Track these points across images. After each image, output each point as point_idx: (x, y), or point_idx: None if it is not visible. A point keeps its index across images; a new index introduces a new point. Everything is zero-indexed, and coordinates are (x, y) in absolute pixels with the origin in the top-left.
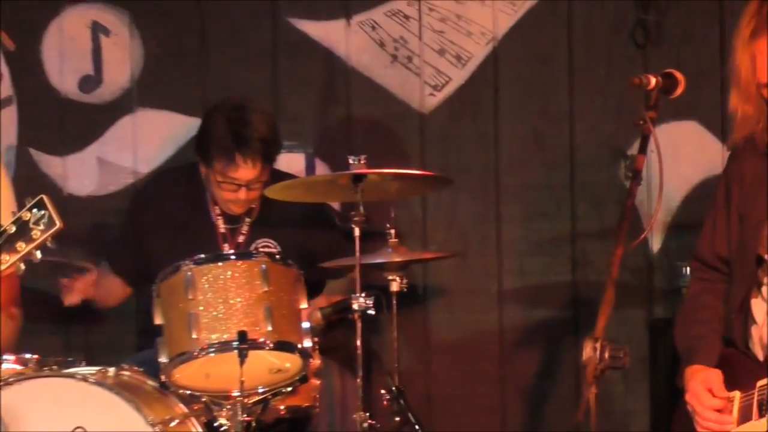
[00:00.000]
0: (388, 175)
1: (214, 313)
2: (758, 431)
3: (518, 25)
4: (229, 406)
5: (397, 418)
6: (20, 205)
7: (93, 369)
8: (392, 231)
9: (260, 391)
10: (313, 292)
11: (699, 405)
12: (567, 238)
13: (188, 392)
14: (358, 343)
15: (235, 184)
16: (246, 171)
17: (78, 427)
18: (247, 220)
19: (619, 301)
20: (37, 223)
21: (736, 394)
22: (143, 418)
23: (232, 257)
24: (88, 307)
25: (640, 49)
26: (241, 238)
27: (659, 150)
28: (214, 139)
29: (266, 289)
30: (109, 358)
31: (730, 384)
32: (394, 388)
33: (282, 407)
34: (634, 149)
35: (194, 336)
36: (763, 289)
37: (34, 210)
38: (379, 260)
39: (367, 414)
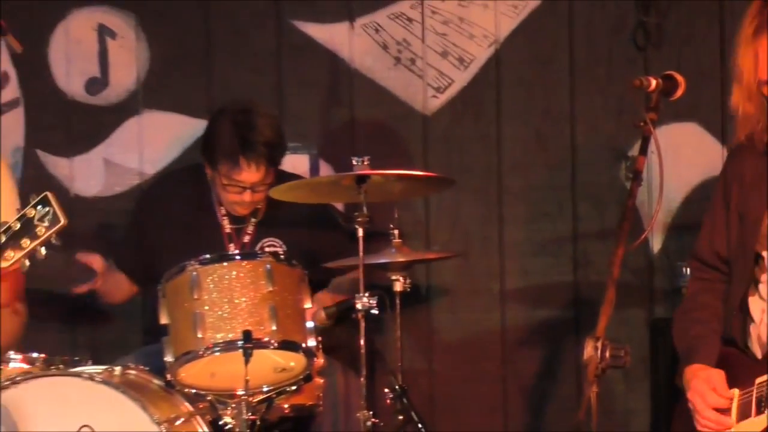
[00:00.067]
0: (391, 176)
1: (219, 312)
2: (757, 427)
3: (520, 28)
4: (234, 405)
5: (400, 417)
6: (25, 203)
7: (99, 368)
8: (395, 231)
9: (265, 389)
10: (317, 291)
11: (702, 403)
12: (568, 238)
13: (193, 391)
14: (362, 342)
15: (240, 187)
16: (251, 174)
17: (84, 426)
18: (253, 220)
19: (620, 301)
20: (41, 219)
21: (735, 392)
22: (149, 416)
23: (237, 257)
24: (94, 305)
25: (641, 51)
26: (246, 239)
27: (660, 151)
28: (219, 143)
29: (271, 288)
30: (116, 357)
31: (729, 382)
32: (397, 387)
33: (286, 406)
34: (634, 150)
35: (199, 335)
36: (761, 286)
37: (39, 207)
38: (382, 260)
39: (371, 413)
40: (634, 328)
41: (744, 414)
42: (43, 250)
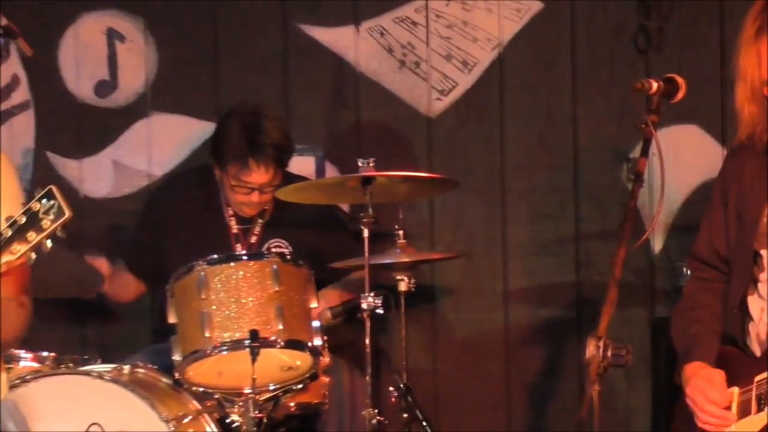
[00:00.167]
0: (396, 177)
1: (227, 312)
2: (757, 425)
3: (523, 32)
4: (241, 403)
5: (405, 415)
6: (30, 197)
7: (108, 366)
8: (400, 232)
9: (271, 388)
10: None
11: (702, 399)
12: (571, 239)
13: (201, 389)
14: (367, 341)
15: (248, 188)
16: (259, 175)
17: (93, 424)
18: (260, 221)
19: (622, 301)
20: (46, 212)
21: (735, 390)
22: (157, 414)
23: (244, 258)
24: (102, 305)
25: (642, 54)
26: (253, 239)
27: (661, 153)
28: (228, 145)
29: (277, 288)
30: (124, 356)
31: (728, 381)
32: (402, 386)
33: (292, 404)
34: (636, 152)
35: (207, 334)
36: (760, 285)
37: (44, 200)
38: (387, 261)
39: (376, 411)
40: (635, 327)
41: (744, 412)
42: (48, 243)
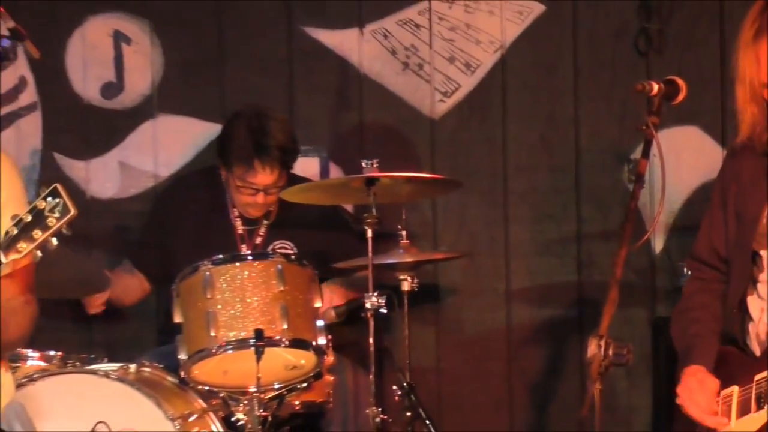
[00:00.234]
0: (399, 178)
1: (232, 311)
2: (757, 423)
3: (525, 34)
4: (246, 402)
5: (409, 414)
6: (35, 195)
7: (115, 365)
8: (403, 232)
9: (276, 387)
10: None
11: (688, 401)
12: (573, 239)
13: (207, 388)
14: (371, 340)
15: (254, 189)
16: (264, 177)
17: (100, 422)
18: (265, 222)
19: (623, 300)
20: (52, 210)
21: (735, 389)
22: (163, 412)
23: (249, 258)
24: (108, 307)
25: (643, 57)
26: (258, 240)
27: (661, 154)
28: (234, 146)
29: (282, 288)
30: (131, 355)
31: (728, 380)
32: (405, 385)
33: (297, 402)
34: (637, 153)
35: (212, 334)
36: (759, 285)
37: (49, 198)
38: (391, 260)
39: (380, 409)
40: (636, 326)
41: (744, 410)
42: (54, 241)
